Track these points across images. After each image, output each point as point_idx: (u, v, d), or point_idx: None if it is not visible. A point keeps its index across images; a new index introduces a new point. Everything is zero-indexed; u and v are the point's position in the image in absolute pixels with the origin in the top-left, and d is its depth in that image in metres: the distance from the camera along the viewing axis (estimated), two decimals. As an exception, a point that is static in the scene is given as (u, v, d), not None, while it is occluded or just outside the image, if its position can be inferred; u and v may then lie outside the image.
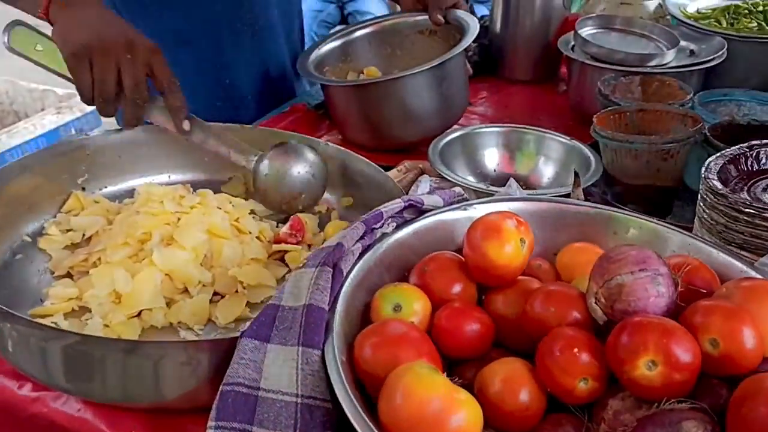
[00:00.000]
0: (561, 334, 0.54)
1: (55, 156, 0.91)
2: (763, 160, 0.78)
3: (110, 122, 1.40)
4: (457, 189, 0.81)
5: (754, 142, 0.79)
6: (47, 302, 0.74)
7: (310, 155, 0.91)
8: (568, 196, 0.86)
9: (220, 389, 0.55)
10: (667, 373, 0.48)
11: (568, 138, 1.04)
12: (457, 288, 0.63)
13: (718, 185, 0.72)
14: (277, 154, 0.90)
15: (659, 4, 1.47)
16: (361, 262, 0.63)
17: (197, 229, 0.78)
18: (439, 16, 1.20)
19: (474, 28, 1.13)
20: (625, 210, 0.72)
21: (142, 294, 0.72)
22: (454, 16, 1.21)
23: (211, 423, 0.53)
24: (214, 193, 0.91)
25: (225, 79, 1.25)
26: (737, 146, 0.79)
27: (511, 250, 0.61)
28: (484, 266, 0.62)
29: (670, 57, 1.16)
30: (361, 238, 0.65)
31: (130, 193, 0.93)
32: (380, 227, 0.67)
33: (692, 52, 1.19)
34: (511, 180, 0.97)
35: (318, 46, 1.26)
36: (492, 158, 1.07)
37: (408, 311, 0.60)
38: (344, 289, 0.60)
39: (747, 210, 0.68)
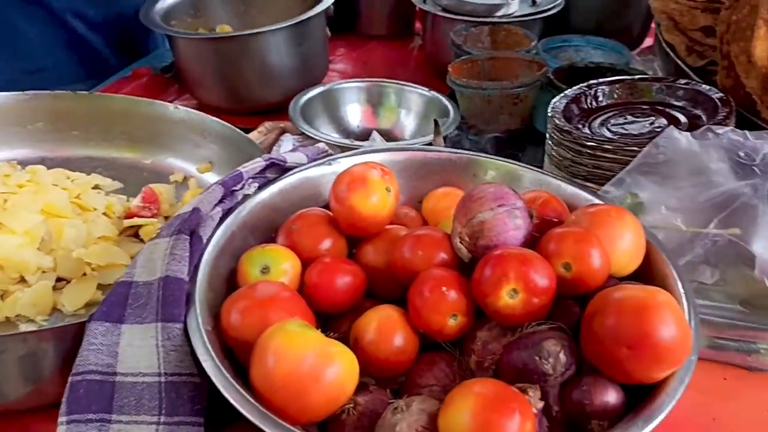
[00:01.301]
0: (429, 275, 0.55)
1: None
2: (600, 98, 0.84)
3: None
4: (321, 145, 0.79)
5: (591, 82, 0.85)
6: None
7: None
8: (430, 144, 0.87)
9: (69, 380, 0.49)
10: (527, 299, 0.51)
11: (427, 89, 1.05)
12: (326, 244, 0.62)
13: (563, 123, 0.76)
14: None
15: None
16: (222, 226, 0.60)
17: (30, 210, 0.70)
18: None
19: None
20: (483, 154, 0.75)
21: (-30, 288, 0.64)
22: None
23: (62, 418, 0.48)
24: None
25: (79, 30, 1.13)
26: (577, 86, 0.84)
27: (377, 200, 0.61)
28: (352, 219, 0.61)
29: (514, 7, 1.20)
30: (221, 201, 0.62)
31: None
32: (241, 189, 0.64)
33: (534, 2, 1.25)
34: (375, 133, 0.96)
35: None
36: (354, 114, 1.06)
37: (277, 272, 0.58)
38: (205, 256, 0.57)
39: (589, 143, 0.73)
